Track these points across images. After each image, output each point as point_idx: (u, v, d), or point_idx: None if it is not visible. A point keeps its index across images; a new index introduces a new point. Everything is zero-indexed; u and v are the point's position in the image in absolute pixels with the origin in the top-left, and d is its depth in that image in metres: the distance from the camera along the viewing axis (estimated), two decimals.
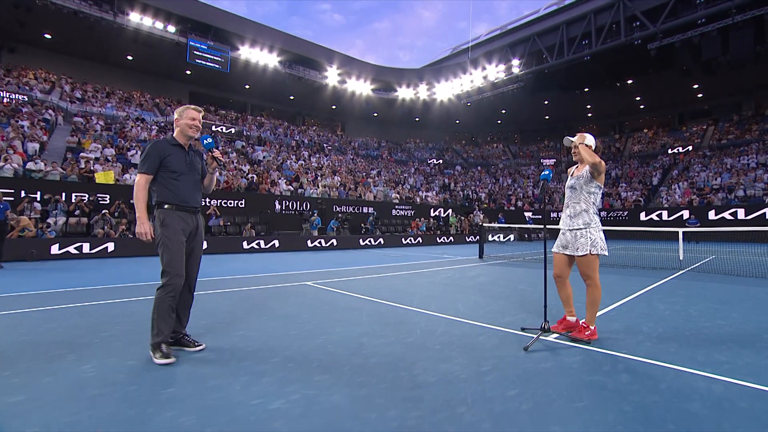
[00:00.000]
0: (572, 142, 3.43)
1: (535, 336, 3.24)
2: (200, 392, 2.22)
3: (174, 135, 3.03)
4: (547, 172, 3.50)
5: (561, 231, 3.50)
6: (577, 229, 3.30)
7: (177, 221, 2.89)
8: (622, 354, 2.86)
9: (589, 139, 3.42)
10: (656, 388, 2.29)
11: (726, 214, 19.52)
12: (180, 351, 2.92)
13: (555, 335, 3.38)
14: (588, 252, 3.22)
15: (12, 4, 17.12)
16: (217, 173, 3.29)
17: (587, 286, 3.30)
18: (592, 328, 3.26)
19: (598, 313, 4.09)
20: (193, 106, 3.06)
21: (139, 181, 2.82)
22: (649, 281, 6.50)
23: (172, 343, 2.96)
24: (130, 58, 23.38)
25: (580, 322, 3.37)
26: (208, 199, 14.53)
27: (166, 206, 2.87)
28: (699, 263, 9.25)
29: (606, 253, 3.26)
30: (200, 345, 3.02)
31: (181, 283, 2.86)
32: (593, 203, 3.33)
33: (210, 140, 3.09)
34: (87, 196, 11.96)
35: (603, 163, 3.26)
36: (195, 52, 21.75)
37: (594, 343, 3.15)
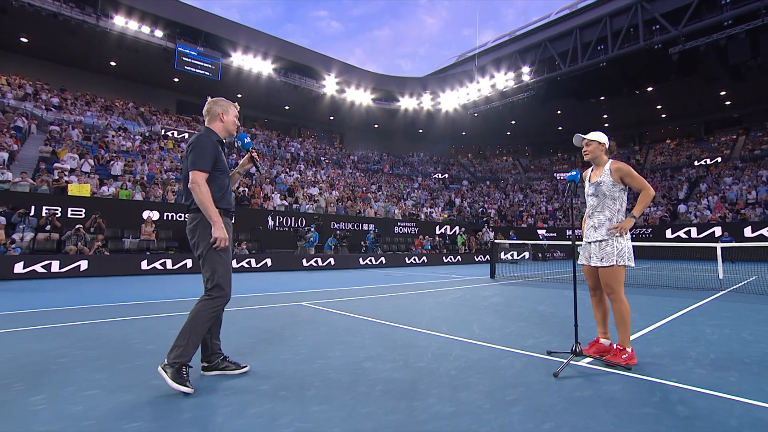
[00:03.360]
0: (584, 139, 3.39)
1: (565, 360, 3.07)
2: (173, 427, 2.02)
3: (215, 130, 2.92)
4: (574, 173, 3.39)
5: (585, 241, 3.42)
6: (602, 240, 3.22)
7: (228, 228, 2.80)
8: (672, 382, 2.67)
9: (601, 136, 3.37)
10: (725, 425, 2.07)
11: (765, 231, 19.28)
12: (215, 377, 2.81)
13: (588, 360, 3.21)
14: (614, 263, 3.13)
15: None
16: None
17: (612, 302, 3.20)
18: (629, 351, 3.11)
19: (634, 336, 3.99)
20: (235, 103, 3.08)
21: (200, 179, 2.66)
22: (687, 302, 6.34)
23: (207, 368, 2.84)
24: (113, 64, 23.69)
25: (614, 345, 3.23)
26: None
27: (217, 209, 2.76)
28: (741, 283, 9.03)
29: (632, 264, 3.16)
30: (244, 366, 2.90)
31: (228, 299, 2.77)
32: (618, 210, 3.24)
33: (249, 139, 3.10)
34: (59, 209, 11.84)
35: (652, 189, 3.22)
36: (184, 58, 22.04)
37: (634, 369, 2.98)
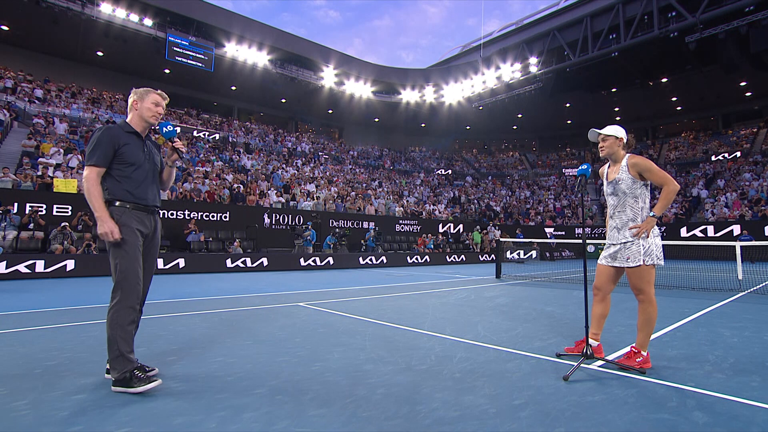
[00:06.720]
0: (599, 134, 3.36)
1: (576, 363, 3.07)
2: None
3: (129, 120, 2.92)
4: (585, 167, 3.37)
5: (608, 242, 3.41)
6: (627, 241, 3.19)
7: (134, 221, 2.78)
8: (689, 387, 2.67)
9: (618, 131, 3.35)
10: None
11: None
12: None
13: (600, 363, 3.22)
14: (641, 262, 3.10)
15: None
16: (177, 166, 3.32)
17: (640, 302, 3.18)
18: (645, 354, 3.11)
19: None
20: (158, 91, 3.01)
21: (90, 174, 2.69)
22: (704, 304, 6.35)
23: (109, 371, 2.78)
24: (100, 54, 23.66)
25: (631, 346, 3.24)
26: (187, 212, 14.43)
27: (119, 204, 2.76)
28: (762, 284, 9.03)
29: (662, 263, 3.13)
30: (152, 369, 2.83)
31: (140, 295, 2.71)
32: (642, 208, 3.21)
33: (171, 128, 3.08)
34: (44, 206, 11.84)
35: (675, 184, 3.14)
36: (175, 48, 21.97)
37: (649, 372, 2.98)
